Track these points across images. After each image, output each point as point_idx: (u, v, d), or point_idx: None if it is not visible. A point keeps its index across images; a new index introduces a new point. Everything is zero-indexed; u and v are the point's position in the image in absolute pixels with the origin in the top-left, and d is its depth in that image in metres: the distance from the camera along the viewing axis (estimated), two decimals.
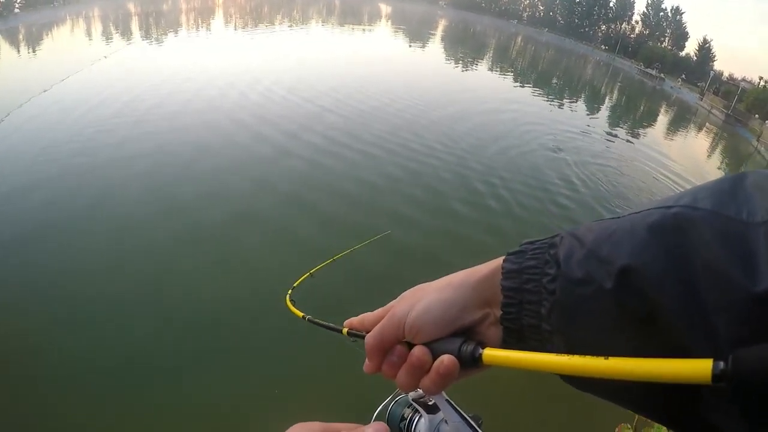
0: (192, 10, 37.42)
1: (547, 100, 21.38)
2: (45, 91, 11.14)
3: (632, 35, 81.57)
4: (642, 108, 31.44)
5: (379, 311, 0.54)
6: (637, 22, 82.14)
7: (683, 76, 60.68)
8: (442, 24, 64.72)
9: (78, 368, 3.97)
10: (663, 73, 57.16)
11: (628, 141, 16.80)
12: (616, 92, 37.45)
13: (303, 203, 7.15)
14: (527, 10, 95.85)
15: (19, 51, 17.89)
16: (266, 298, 4.47)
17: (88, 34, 23.16)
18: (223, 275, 5.35)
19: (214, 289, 5.06)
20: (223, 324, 4.60)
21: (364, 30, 42.28)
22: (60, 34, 22.64)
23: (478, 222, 7.44)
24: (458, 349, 0.45)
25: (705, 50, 72.09)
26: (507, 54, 45.26)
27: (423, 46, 35.67)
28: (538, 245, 0.47)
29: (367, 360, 0.51)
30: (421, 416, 0.57)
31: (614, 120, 21.71)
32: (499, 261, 0.49)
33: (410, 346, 0.49)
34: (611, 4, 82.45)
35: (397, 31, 45.58)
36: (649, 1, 78.77)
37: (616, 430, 1.91)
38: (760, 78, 45.00)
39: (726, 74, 62.92)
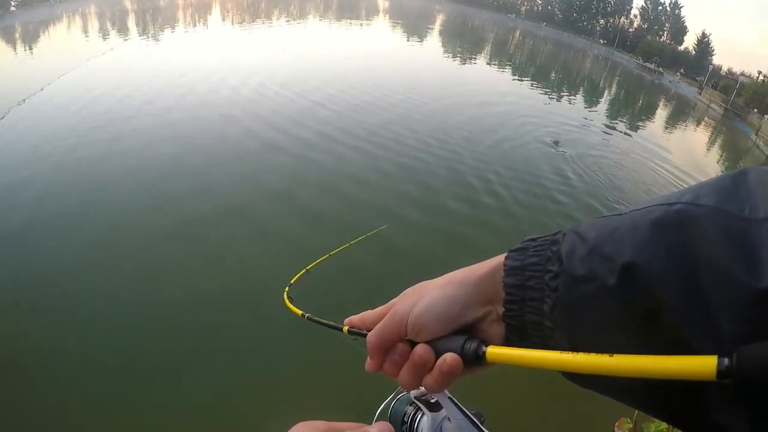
0: (189, 6, 37.27)
1: (546, 94, 21.33)
2: (42, 89, 11.10)
3: (631, 29, 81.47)
4: (641, 102, 31.42)
5: (380, 309, 0.53)
6: (635, 16, 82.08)
7: (682, 70, 60.56)
8: (440, 18, 64.47)
9: (76, 368, 3.96)
10: (662, 67, 57.08)
11: (626, 134, 16.78)
12: (614, 86, 37.42)
13: (297, 199, 7.13)
14: (525, 4, 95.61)
15: (15, 49, 17.80)
16: (264, 296, 4.45)
17: (85, 31, 23.05)
18: (219, 273, 5.34)
19: (210, 287, 5.04)
20: (221, 323, 4.59)
21: (361, 25, 42.14)
22: (56, 31, 22.54)
23: (473, 217, 7.42)
24: (461, 347, 0.45)
25: (704, 44, 72.06)
26: (505, 48, 45.16)
27: (421, 41, 35.59)
28: (540, 242, 0.47)
29: (368, 358, 0.51)
30: (423, 414, 0.57)
31: (613, 114, 21.69)
32: (500, 258, 0.49)
33: (412, 344, 0.49)
34: None
35: (394, 26, 45.44)
36: None
37: (616, 424, 1.91)
38: (759, 72, 45.07)
39: (725, 68, 62.95)
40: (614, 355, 0.32)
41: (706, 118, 32.30)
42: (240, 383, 3.95)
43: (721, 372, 0.27)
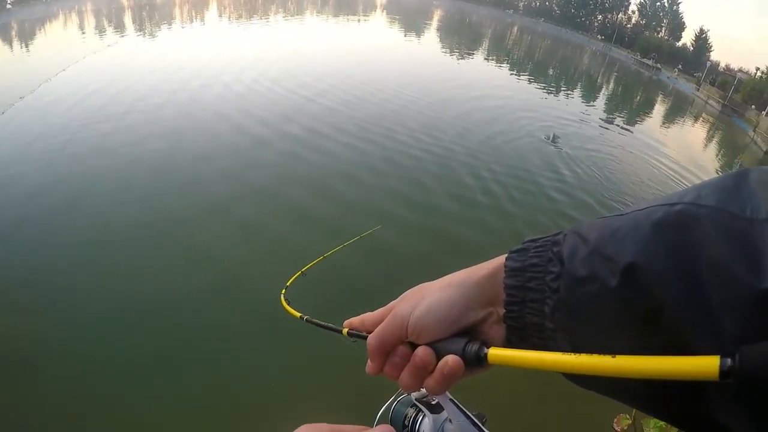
0: (186, 2, 37.08)
1: (544, 90, 21.32)
2: (38, 87, 11.05)
3: (629, 25, 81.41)
4: (639, 98, 31.43)
5: (380, 311, 0.53)
6: (633, 12, 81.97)
7: (680, 66, 60.53)
8: (438, 14, 64.34)
9: (74, 368, 3.94)
10: (659, 63, 57.08)
11: (624, 130, 16.79)
12: (612, 82, 37.40)
13: (290, 200, 7.10)
14: (524, 0, 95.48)
15: (11, 47, 17.72)
16: (262, 298, 4.45)
17: (81, 28, 22.95)
18: (216, 273, 5.30)
19: (206, 287, 5.02)
20: (219, 324, 4.57)
21: (359, 21, 42.04)
22: (52, 29, 22.43)
23: (469, 216, 7.41)
24: (463, 349, 0.45)
25: (702, 41, 72.02)
26: (503, 44, 45.11)
27: (418, 36, 35.54)
28: (541, 243, 0.46)
29: (369, 361, 0.51)
30: (424, 416, 0.56)
31: (611, 109, 21.71)
32: (501, 259, 0.49)
33: (413, 346, 0.49)
34: None
35: (392, 22, 45.33)
36: None
37: (615, 420, 1.92)
38: (757, 69, 45.08)
39: (722, 65, 63.06)
40: (617, 355, 0.32)
41: (703, 114, 32.32)
42: (239, 385, 3.94)
43: (723, 372, 0.27)
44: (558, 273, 0.43)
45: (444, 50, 30.18)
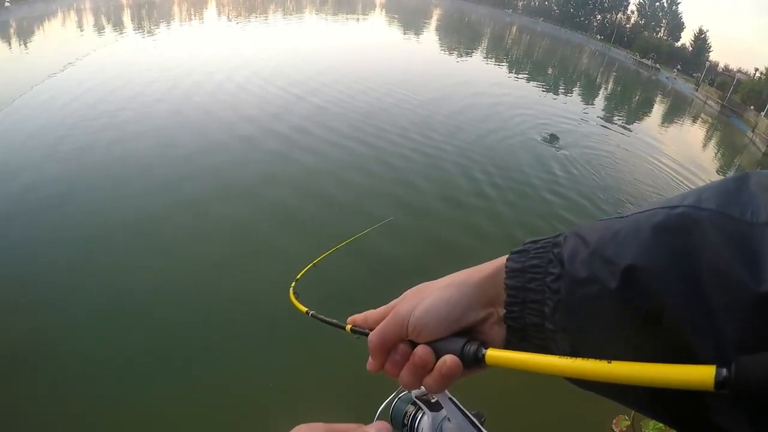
0: (184, 1, 37.00)
1: (542, 89, 21.31)
2: (36, 85, 11.03)
3: (628, 25, 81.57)
4: (637, 98, 31.48)
5: (382, 309, 0.54)
6: (632, 12, 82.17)
7: (679, 66, 60.66)
8: (437, 13, 64.35)
9: (74, 366, 3.93)
10: (658, 63, 57.18)
11: (623, 130, 16.81)
12: (611, 82, 37.45)
13: (304, 194, 7.11)
14: None
15: (10, 46, 17.68)
16: (269, 293, 4.45)
17: (80, 26, 22.90)
18: (225, 268, 5.31)
19: (213, 283, 5.02)
20: (224, 319, 4.56)
21: (357, 19, 42.02)
22: (51, 27, 22.38)
23: (465, 216, 7.39)
24: (461, 349, 0.45)
25: (701, 41, 72.16)
26: (502, 43, 45.12)
27: (417, 35, 35.55)
28: (542, 244, 0.47)
29: (370, 358, 0.51)
30: (424, 413, 0.57)
31: (609, 109, 21.74)
32: (502, 260, 0.49)
33: (413, 345, 0.49)
34: None
35: (391, 21, 45.32)
36: None
37: (614, 421, 1.93)
38: (756, 69, 45.18)
39: (722, 65, 63.21)
40: (612, 361, 0.33)
41: (702, 115, 32.39)
42: (239, 384, 3.93)
43: (719, 383, 0.27)
44: (558, 274, 0.43)
45: (443, 49, 30.19)
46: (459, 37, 40.15)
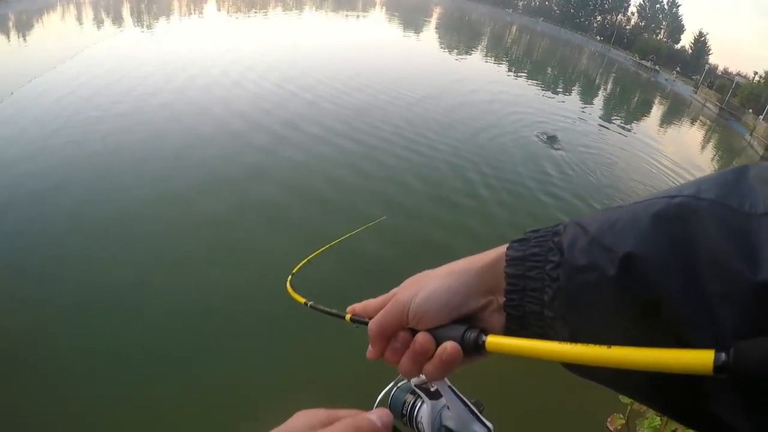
0: None
1: (542, 89, 21.31)
2: (34, 78, 10.97)
3: (628, 26, 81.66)
4: (636, 99, 31.52)
5: (381, 298, 0.54)
6: (633, 14, 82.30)
7: (678, 68, 60.77)
8: (437, 11, 64.27)
9: (76, 362, 3.89)
10: (658, 65, 57.25)
11: (621, 130, 16.84)
12: (610, 83, 37.49)
13: (298, 191, 7.09)
14: None
15: (9, 38, 17.60)
16: (266, 285, 4.45)
17: (79, 20, 22.82)
18: (221, 262, 5.29)
19: (210, 277, 5.00)
20: (221, 312, 4.55)
21: (357, 17, 41.96)
22: (51, 20, 22.29)
23: (473, 209, 7.47)
24: (461, 336, 0.46)
25: (700, 43, 72.34)
26: (502, 42, 45.10)
27: (417, 33, 35.52)
28: (543, 233, 0.47)
29: (370, 346, 0.52)
30: (423, 402, 0.57)
31: (608, 110, 21.77)
32: (503, 248, 0.49)
33: (413, 332, 0.49)
34: None
35: (391, 19, 45.24)
36: None
37: (609, 419, 1.93)
38: (755, 73, 45.22)
39: (721, 68, 63.29)
40: (612, 346, 0.33)
41: (701, 117, 32.44)
42: (241, 372, 3.93)
43: (717, 367, 0.27)
44: (558, 262, 0.43)
45: (443, 48, 30.16)
46: (459, 36, 40.12)
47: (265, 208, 6.53)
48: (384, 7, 56.84)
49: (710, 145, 24.03)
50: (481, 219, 7.32)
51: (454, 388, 0.54)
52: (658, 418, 1.80)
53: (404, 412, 0.58)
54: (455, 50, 29.04)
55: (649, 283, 0.36)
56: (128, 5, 29.23)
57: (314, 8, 42.21)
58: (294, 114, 10.38)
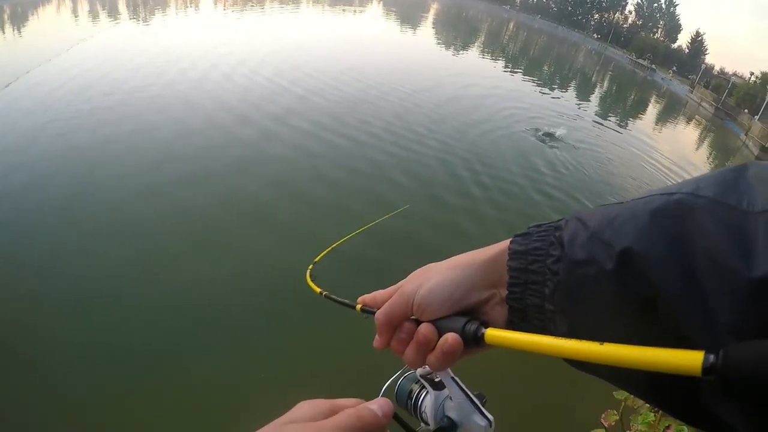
0: None
1: (538, 86, 21.33)
2: (29, 71, 10.90)
3: (625, 25, 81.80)
4: (632, 97, 31.61)
5: (390, 289, 0.55)
6: (630, 12, 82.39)
7: (674, 68, 60.94)
8: (434, 8, 64.12)
9: (80, 355, 3.87)
10: (654, 64, 57.38)
11: (617, 128, 16.90)
12: (607, 81, 37.56)
13: (319, 181, 7.19)
14: None
15: (4, 31, 17.48)
16: (286, 275, 4.42)
17: (74, 13, 22.67)
18: (217, 256, 5.27)
19: (209, 270, 4.97)
20: (221, 305, 4.53)
21: (354, 12, 41.80)
22: (47, 13, 22.15)
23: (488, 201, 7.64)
24: (462, 327, 0.47)
25: (697, 43, 72.51)
26: (499, 39, 45.08)
27: (414, 29, 35.46)
28: (545, 228, 0.48)
29: (377, 336, 0.53)
30: (427, 392, 0.58)
31: (604, 108, 21.81)
32: (506, 243, 0.50)
33: (418, 323, 0.50)
34: None
35: (388, 14, 45.10)
36: None
37: (603, 416, 1.95)
38: (751, 73, 45.37)
39: (717, 68, 63.45)
40: (604, 343, 0.33)
41: (696, 117, 32.58)
42: (248, 361, 3.95)
43: (706, 368, 0.28)
44: (558, 256, 0.44)
45: (440, 44, 30.11)
46: (457, 32, 40.07)
47: (258, 206, 6.49)
48: (381, 3, 56.65)
49: (705, 145, 24.15)
50: (488, 210, 7.51)
51: (457, 379, 0.56)
52: (652, 414, 1.82)
53: (409, 401, 0.60)
54: (453, 47, 28.99)
55: (646, 278, 0.37)
56: None
57: (311, 3, 42.02)
58: (285, 109, 10.36)
